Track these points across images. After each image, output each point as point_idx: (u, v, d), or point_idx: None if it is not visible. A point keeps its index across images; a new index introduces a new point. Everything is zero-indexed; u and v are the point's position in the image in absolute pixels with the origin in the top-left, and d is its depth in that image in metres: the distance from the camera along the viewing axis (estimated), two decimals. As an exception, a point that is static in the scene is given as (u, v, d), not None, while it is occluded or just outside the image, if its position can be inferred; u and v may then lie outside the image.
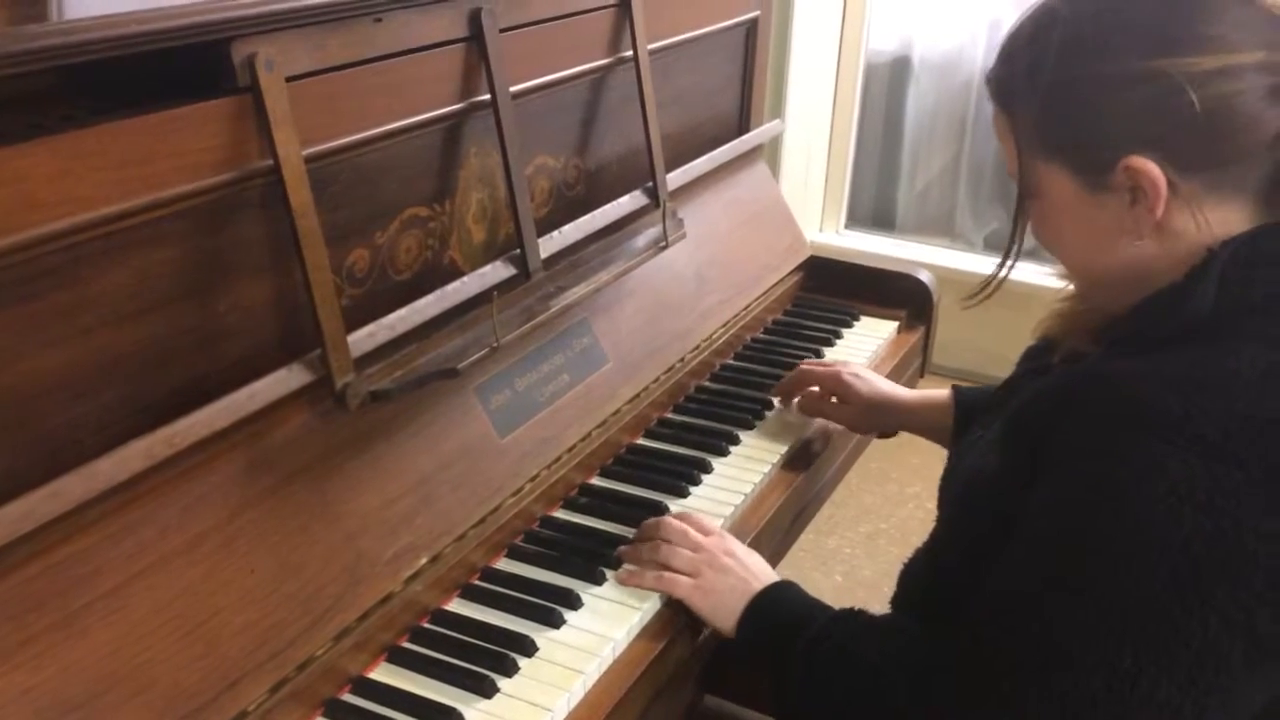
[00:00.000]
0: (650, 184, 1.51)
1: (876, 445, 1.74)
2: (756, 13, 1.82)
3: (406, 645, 1.09)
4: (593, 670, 1.07)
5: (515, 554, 1.23)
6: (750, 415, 1.52)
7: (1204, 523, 0.83)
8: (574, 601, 1.15)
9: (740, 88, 1.87)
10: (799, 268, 1.90)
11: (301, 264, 1.00)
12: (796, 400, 1.55)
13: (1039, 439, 0.94)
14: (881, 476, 2.80)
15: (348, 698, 1.03)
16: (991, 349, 2.67)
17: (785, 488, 1.42)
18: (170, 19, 0.89)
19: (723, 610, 1.15)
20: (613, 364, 1.43)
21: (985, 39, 3.30)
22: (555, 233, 1.35)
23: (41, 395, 0.87)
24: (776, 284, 1.83)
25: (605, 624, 1.13)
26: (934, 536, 1.18)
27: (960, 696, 0.93)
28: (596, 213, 1.43)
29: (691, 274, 1.62)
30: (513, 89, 1.24)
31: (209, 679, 0.91)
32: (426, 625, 1.12)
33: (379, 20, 1.08)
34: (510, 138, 1.23)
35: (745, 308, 1.72)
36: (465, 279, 1.22)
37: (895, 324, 1.85)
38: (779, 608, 1.13)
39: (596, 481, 1.38)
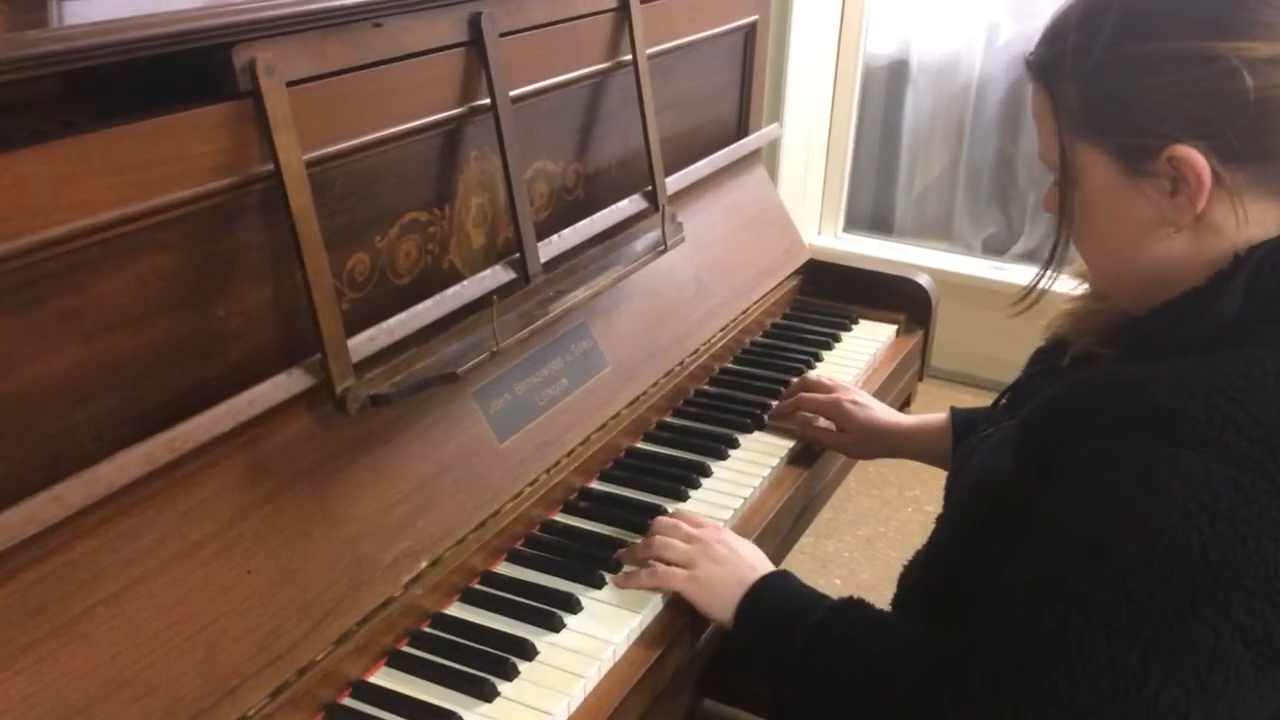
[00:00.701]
0: (649, 188, 1.51)
1: (876, 449, 1.74)
2: (755, 17, 1.82)
3: (406, 649, 1.09)
4: (592, 674, 1.08)
5: (515, 558, 1.23)
6: (749, 419, 1.52)
7: (1224, 531, 0.82)
8: (574, 605, 1.15)
9: (739, 92, 1.87)
10: (797, 271, 1.90)
11: (302, 268, 1.00)
12: (794, 425, 1.52)
13: (1057, 440, 0.93)
14: (880, 480, 2.80)
15: (348, 702, 1.03)
16: (990, 352, 2.68)
17: (784, 491, 1.42)
18: (171, 24, 0.89)
19: (719, 601, 1.14)
20: (612, 368, 1.43)
21: (983, 42, 3.30)
22: (554, 237, 1.35)
23: (42, 400, 0.87)
24: (775, 287, 1.83)
25: (605, 628, 1.13)
26: (935, 538, 1.18)
27: (964, 694, 0.92)
28: (596, 217, 1.43)
29: (690, 278, 1.63)
30: (512, 93, 1.25)
31: (209, 684, 0.91)
32: (426, 629, 1.12)
33: (379, 25, 1.08)
34: (510, 142, 1.23)
35: (744, 311, 1.72)
36: (465, 283, 1.22)
37: (894, 327, 1.85)
38: (777, 597, 1.12)
39: (596, 485, 1.38)
